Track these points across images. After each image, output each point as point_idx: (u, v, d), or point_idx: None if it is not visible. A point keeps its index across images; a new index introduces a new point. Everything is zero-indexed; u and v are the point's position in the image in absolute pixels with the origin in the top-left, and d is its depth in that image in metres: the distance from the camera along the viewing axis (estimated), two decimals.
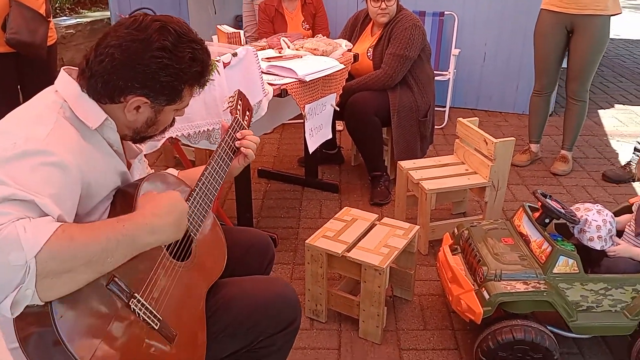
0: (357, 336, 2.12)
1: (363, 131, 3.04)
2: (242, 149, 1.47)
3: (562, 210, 1.90)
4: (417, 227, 2.21)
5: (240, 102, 1.55)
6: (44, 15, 2.53)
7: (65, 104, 1.14)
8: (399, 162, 2.82)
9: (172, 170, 1.60)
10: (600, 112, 4.69)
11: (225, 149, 1.43)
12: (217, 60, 1.94)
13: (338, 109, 2.82)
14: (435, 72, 4.34)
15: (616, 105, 4.87)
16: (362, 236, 2.15)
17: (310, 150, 2.66)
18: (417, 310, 2.28)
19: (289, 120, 3.18)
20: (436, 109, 4.44)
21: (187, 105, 1.31)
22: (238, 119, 1.50)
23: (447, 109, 4.38)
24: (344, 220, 2.26)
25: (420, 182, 2.59)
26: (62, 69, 1.20)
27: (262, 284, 1.45)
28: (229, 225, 2.51)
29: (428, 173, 2.69)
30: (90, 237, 1.01)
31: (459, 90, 4.69)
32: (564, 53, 3.34)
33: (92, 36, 5.22)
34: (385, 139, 3.29)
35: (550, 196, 1.97)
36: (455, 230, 2.17)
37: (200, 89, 1.30)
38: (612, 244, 1.91)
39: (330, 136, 2.86)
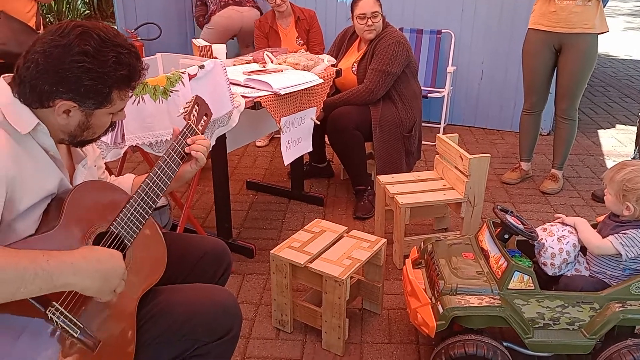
0: (320, 347, 2.13)
1: (344, 145, 3.07)
2: (192, 153, 1.50)
3: (521, 227, 1.89)
4: (384, 240, 2.22)
5: (196, 107, 1.57)
6: (34, 27, 2.63)
7: None
8: (377, 176, 2.84)
9: (129, 176, 1.64)
10: (600, 131, 4.65)
11: (172, 155, 1.46)
12: (182, 72, 2.00)
13: (318, 122, 2.85)
14: (431, 89, 4.39)
15: (617, 126, 4.82)
16: (328, 248, 2.17)
17: (286, 163, 2.70)
18: (385, 323, 2.28)
19: None
20: (431, 125, 4.49)
21: (123, 108, 1.33)
22: (190, 124, 1.52)
23: (442, 125, 4.38)
24: (312, 232, 2.28)
25: (395, 196, 2.60)
26: (1, 76, 1.25)
27: (202, 291, 1.46)
28: (196, 233, 2.54)
29: (405, 188, 2.70)
30: (8, 262, 1.03)
31: (457, 107, 4.70)
32: (553, 72, 3.34)
33: None
34: (372, 154, 3.31)
35: (511, 212, 1.97)
36: (422, 245, 2.18)
37: (132, 93, 1.31)
38: (569, 270, 1.90)
39: (310, 149, 2.90)
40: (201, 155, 1.51)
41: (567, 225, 1.97)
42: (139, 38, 4.60)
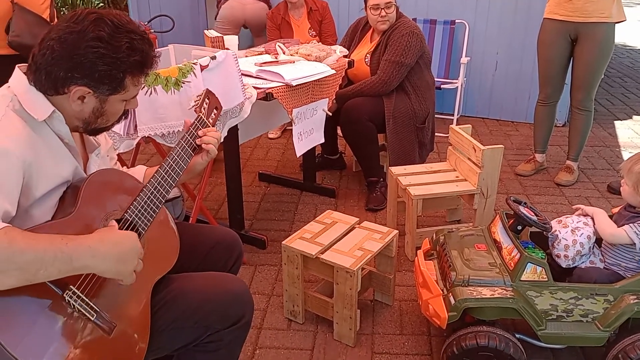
0: (332, 338, 2.14)
1: (357, 137, 3.06)
2: (202, 145, 1.51)
3: (534, 218, 1.87)
4: (395, 231, 2.21)
5: (207, 100, 1.58)
6: (48, 20, 2.65)
7: (15, 98, 1.21)
8: (390, 167, 2.83)
9: (140, 167, 1.65)
10: (617, 123, 4.58)
11: (184, 146, 1.47)
12: (194, 63, 2.00)
13: (330, 113, 2.85)
14: (445, 80, 4.36)
15: (634, 117, 4.74)
16: (339, 239, 2.17)
17: (298, 154, 2.70)
18: (396, 315, 2.28)
19: None
20: (444, 117, 4.46)
21: (135, 95, 1.34)
22: (201, 117, 1.54)
23: (455, 117, 4.35)
24: (323, 223, 2.28)
25: (407, 187, 2.59)
26: (17, 66, 1.27)
27: (214, 279, 1.48)
28: (209, 224, 2.55)
29: (417, 179, 2.69)
30: (29, 245, 1.05)
31: (471, 98, 4.66)
32: (569, 62, 3.29)
33: None
34: (385, 145, 3.30)
35: (524, 203, 1.95)
36: (434, 236, 2.17)
37: (144, 80, 1.33)
38: (583, 262, 1.88)
39: (322, 141, 2.89)
40: (212, 147, 1.52)
41: (584, 215, 1.95)
42: (152, 30, 4.62)
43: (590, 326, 1.80)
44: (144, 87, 1.92)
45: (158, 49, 2.58)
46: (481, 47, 4.48)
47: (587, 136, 3.43)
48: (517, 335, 1.85)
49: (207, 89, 1.60)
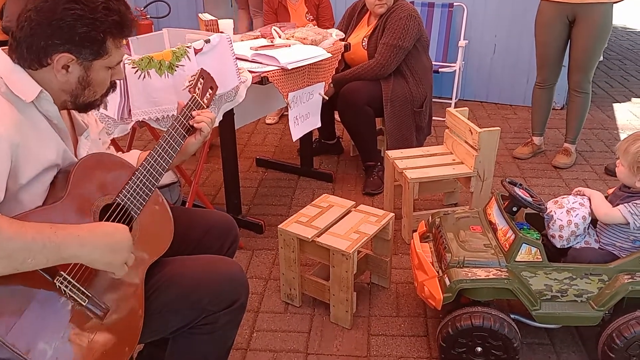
0: (328, 321, 2.15)
1: (355, 121, 3.06)
2: (195, 125, 1.50)
3: (529, 199, 1.87)
4: (391, 214, 2.22)
5: (201, 80, 1.57)
6: None
7: (0, 80, 1.20)
8: (386, 151, 2.83)
9: (134, 152, 1.65)
10: (616, 105, 4.56)
11: (177, 128, 1.46)
12: (187, 47, 1.99)
13: (326, 97, 2.84)
14: (443, 64, 4.34)
15: (633, 99, 4.73)
16: (335, 222, 2.18)
17: (294, 138, 2.69)
18: (393, 297, 2.29)
19: None
20: (442, 101, 4.44)
21: (120, 61, 1.32)
22: (195, 97, 1.53)
23: (453, 101, 4.34)
24: (319, 207, 2.28)
25: (404, 171, 2.59)
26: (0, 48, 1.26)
27: (208, 262, 1.48)
28: (205, 208, 2.55)
29: (414, 162, 2.69)
30: (17, 233, 1.05)
31: (469, 82, 4.64)
32: (566, 44, 3.27)
33: None
34: (383, 129, 3.29)
35: (520, 185, 1.95)
36: (430, 219, 2.17)
37: (125, 42, 1.31)
38: (578, 243, 1.88)
39: (318, 125, 2.89)
40: (205, 125, 1.51)
41: (581, 196, 1.95)
42: (149, 16, 4.59)
43: (585, 306, 1.81)
44: (137, 71, 1.91)
45: (151, 33, 2.57)
46: (479, 30, 4.46)
47: (585, 118, 3.42)
48: (512, 316, 1.86)
49: (202, 68, 1.58)
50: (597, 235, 1.93)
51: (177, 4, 5.00)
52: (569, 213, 1.89)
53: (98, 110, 1.94)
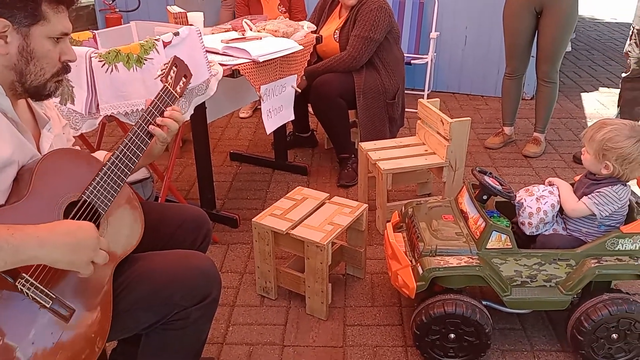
0: (304, 312, 2.16)
1: (328, 113, 3.06)
2: (157, 128, 1.44)
3: (498, 187, 1.91)
4: (365, 205, 2.23)
5: (174, 68, 1.51)
6: None
7: None
8: (360, 143, 2.84)
9: (101, 152, 1.61)
10: (584, 95, 4.66)
11: (149, 120, 1.42)
12: (156, 40, 1.96)
13: (299, 90, 2.83)
14: (415, 55, 4.36)
15: (600, 89, 4.83)
16: (309, 214, 2.18)
17: (268, 132, 2.69)
18: (368, 287, 2.31)
19: None
20: (415, 92, 4.47)
21: (64, 31, 1.27)
22: (167, 87, 1.47)
23: (425, 92, 4.37)
24: (294, 199, 2.29)
25: (377, 162, 2.61)
26: None
27: (179, 257, 1.45)
28: (177, 202, 2.52)
29: (387, 154, 2.71)
30: None
31: (441, 74, 4.68)
32: (534, 35, 3.32)
33: (76, 22, 5.26)
34: (356, 121, 3.30)
35: (489, 173, 1.98)
36: (403, 209, 2.19)
37: (64, 8, 1.26)
38: (547, 230, 1.92)
39: (292, 117, 2.88)
40: (164, 133, 1.45)
41: (551, 185, 1.98)
42: (117, 10, 4.52)
43: (554, 290, 1.86)
44: (104, 65, 1.88)
45: (119, 26, 2.53)
46: (450, 22, 4.50)
47: (553, 108, 3.48)
48: (484, 302, 1.89)
49: (175, 56, 1.53)
50: (564, 223, 1.97)
51: None
52: (538, 201, 1.92)
53: (64, 105, 1.92)
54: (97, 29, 4.66)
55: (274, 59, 2.53)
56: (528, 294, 1.86)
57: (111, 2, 4.49)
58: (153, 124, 1.43)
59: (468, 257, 1.83)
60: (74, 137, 1.63)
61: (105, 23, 4.42)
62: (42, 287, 1.15)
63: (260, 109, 4.24)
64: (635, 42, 3.05)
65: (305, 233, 2.04)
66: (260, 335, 2.05)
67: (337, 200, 2.29)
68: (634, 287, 2.16)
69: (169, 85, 1.48)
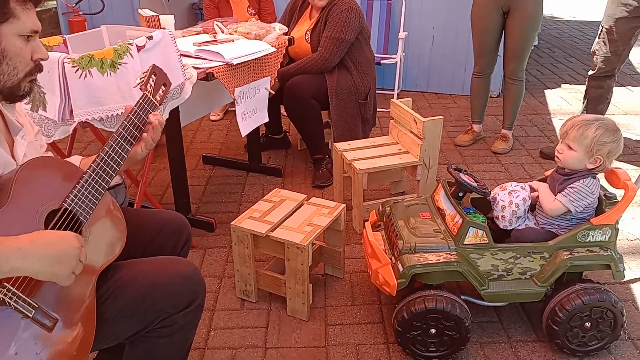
0: (285, 314, 2.16)
1: (302, 115, 3.07)
2: (144, 135, 1.44)
3: (474, 184, 1.96)
4: (343, 205, 2.25)
5: (153, 77, 1.51)
6: None
7: None
8: (334, 143, 2.86)
9: (76, 157, 1.59)
10: (547, 92, 4.80)
11: (128, 127, 1.41)
12: (129, 44, 1.94)
13: (273, 92, 2.83)
14: (384, 55, 4.42)
15: (563, 85, 4.98)
16: (288, 216, 2.19)
17: (243, 134, 2.68)
18: (347, 287, 2.33)
19: None
20: (385, 92, 4.53)
21: (34, 29, 1.25)
22: (147, 95, 1.46)
23: (395, 92, 4.43)
24: (272, 201, 2.29)
25: (352, 162, 2.63)
26: None
27: (162, 263, 1.44)
28: (153, 208, 2.51)
29: (362, 154, 2.73)
30: None
31: (410, 73, 4.75)
32: (501, 34, 3.41)
33: None
34: (329, 122, 3.33)
35: (464, 170, 2.03)
36: (380, 208, 2.22)
37: (32, 5, 1.24)
38: (519, 225, 1.98)
39: (266, 120, 2.88)
40: (150, 140, 1.45)
41: (533, 191, 2.02)
42: (81, 12, 4.42)
43: (529, 283, 1.91)
44: (77, 70, 1.84)
45: (89, 31, 2.48)
46: (418, 22, 4.57)
47: (520, 105, 3.58)
48: (463, 297, 1.93)
49: (154, 64, 1.53)
50: (536, 218, 2.03)
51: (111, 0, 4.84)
52: (510, 194, 1.98)
53: (36, 111, 1.87)
54: (60, 33, 4.55)
55: (247, 61, 2.53)
56: (505, 287, 1.91)
57: (74, 5, 4.39)
58: (135, 132, 1.42)
59: (446, 253, 1.87)
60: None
61: (69, 26, 4.32)
62: (24, 297, 1.13)
63: (231, 111, 4.26)
64: (603, 41, 3.15)
65: (285, 235, 2.05)
66: (243, 338, 2.05)
67: (315, 201, 2.31)
68: (603, 277, 2.24)
69: (148, 93, 1.48)
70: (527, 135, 3.85)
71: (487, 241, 1.87)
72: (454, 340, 1.89)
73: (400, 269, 1.85)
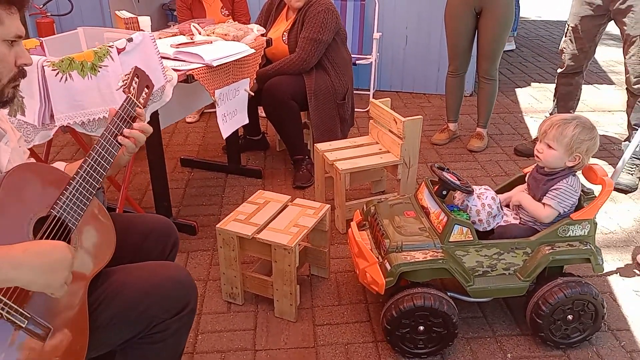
0: (273, 316, 2.16)
1: (281, 116, 3.07)
2: (126, 139, 1.42)
3: (457, 182, 1.99)
4: (327, 206, 2.26)
5: (136, 79, 1.49)
6: None
7: None
8: (315, 144, 2.87)
9: (59, 163, 1.56)
10: (518, 90, 4.90)
11: (113, 131, 1.40)
12: (110, 46, 1.90)
13: (252, 93, 2.82)
14: (360, 56, 4.44)
15: (532, 84, 5.10)
16: (274, 218, 2.18)
17: (224, 136, 2.66)
18: (333, 287, 2.34)
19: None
20: (361, 92, 4.55)
21: (18, 34, 1.23)
22: (131, 97, 1.45)
23: (371, 92, 4.46)
24: (256, 203, 2.28)
25: (334, 162, 2.64)
26: None
27: (153, 268, 1.43)
28: (135, 213, 2.47)
29: (343, 154, 2.75)
30: None
31: (384, 73, 4.79)
32: (474, 34, 3.47)
33: None
34: (307, 123, 3.33)
35: (447, 169, 2.06)
36: (365, 207, 2.24)
37: (15, 9, 1.21)
38: (497, 222, 2.02)
39: (246, 121, 2.87)
40: (132, 144, 1.43)
41: (518, 206, 2.05)
42: (49, 14, 4.31)
43: (512, 278, 1.96)
44: (58, 74, 1.80)
45: (63, 34, 2.43)
46: (391, 22, 4.61)
47: (494, 103, 3.65)
48: (449, 294, 1.97)
49: (136, 66, 1.51)
50: (517, 215, 2.08)
51: (79, 0, 4.73)
52: (479, 198, 2.01)
53: (14, 116, 1.82)
54: (28, 35, 4.42)
55: (226, 63, 2.51)
56: (489, 283, 1.95)
57: (41, 6, 4.28)
58: (120, 135, 1.40)
59: (433, 251, 1.89)
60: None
61: (37, 28, 4.20)
62: (16, 307, 1.10)
63: (206, 112, 4.22)
64: (570, 39, 3.24)
65: (272, 236, 2.05)
66: (231, 341, 2.04)
67: (300, 202, 2.31)
68: (582, 270, 2.31)
69: (132, 96, 1.46)
70: (501, 133, 3.93)
71: (472, 238, 1.90)
72: (442, 336, 1.91)
73: (388, 267, 1.87)
